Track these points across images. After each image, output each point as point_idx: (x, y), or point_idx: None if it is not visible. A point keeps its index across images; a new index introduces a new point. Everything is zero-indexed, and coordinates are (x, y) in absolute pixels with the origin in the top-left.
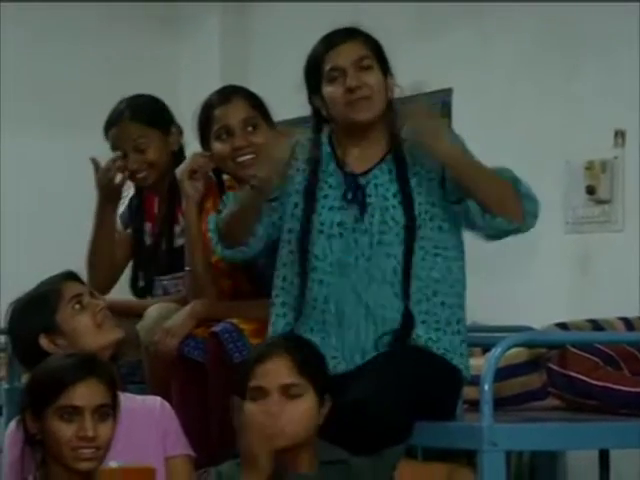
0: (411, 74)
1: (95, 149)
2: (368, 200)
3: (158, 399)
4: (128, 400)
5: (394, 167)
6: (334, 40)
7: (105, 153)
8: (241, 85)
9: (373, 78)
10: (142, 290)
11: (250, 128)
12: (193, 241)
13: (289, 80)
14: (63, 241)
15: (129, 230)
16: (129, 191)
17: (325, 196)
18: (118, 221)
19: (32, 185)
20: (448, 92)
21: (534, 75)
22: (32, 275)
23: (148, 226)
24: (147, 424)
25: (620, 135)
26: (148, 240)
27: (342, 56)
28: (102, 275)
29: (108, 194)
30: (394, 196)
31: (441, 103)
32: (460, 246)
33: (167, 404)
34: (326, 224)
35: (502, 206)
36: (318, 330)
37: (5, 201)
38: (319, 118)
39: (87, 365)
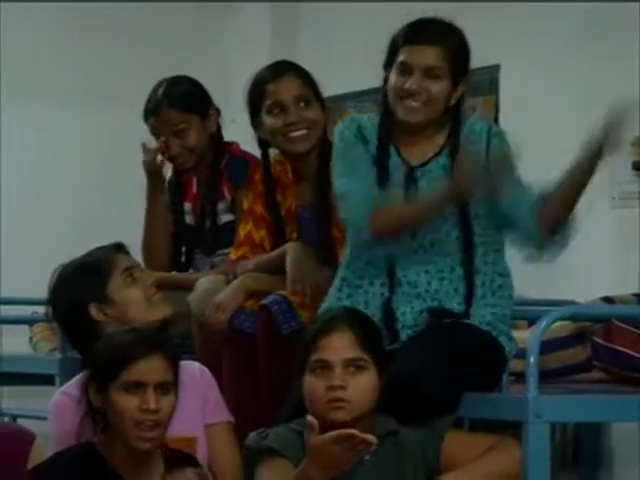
0: None
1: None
2: (420, 192)
3: (197, 365)
4: None
5: (449, 163)
6: (414, 38)
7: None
8: (293, 61)
9: (437, 87)
10: (184, 265)
11: (302, 104)
12: None
13: (337, 55)
14: (93, 212)
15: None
16: (167, 173)
17: (390, 180)
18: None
19: (72, 156)
20: (495, 68)
21: (580, 53)
22: (61, 249)
23: (188, 206)
24: (187, 390)
25: None
26: (189, 219)
27: (415, 55)
28: (158, 259)
29: (154, 176)
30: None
31: (489, 79)
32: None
33: (207, 370)
34: None
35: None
36: (374, 306)
37: (43, 169)
38: (386, 103)
39: (151, 341)
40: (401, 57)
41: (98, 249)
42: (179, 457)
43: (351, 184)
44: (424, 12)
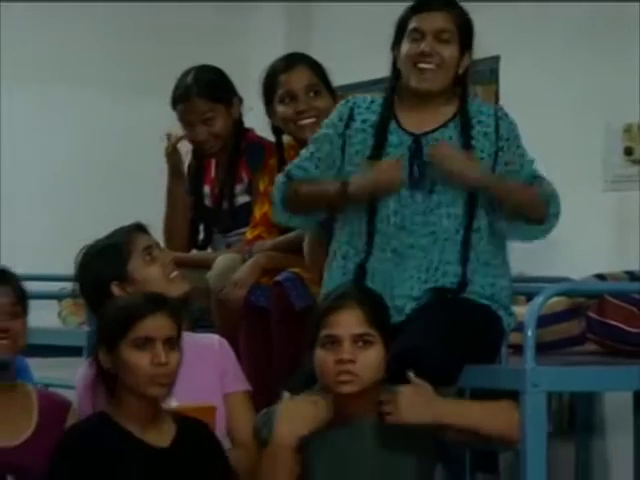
0: None
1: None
2: (424, 160)
3: (216, 337)
4: (189, 339)
5: (456, 133)
6: (422, 6)
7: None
8: (304, 53)
9: (448, 51)
10: (202, 244)
11: (312, 94)
12: None
13: (348, 48)
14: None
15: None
16: (186, 159)
17: (387, 154)
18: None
19: (101, 141)
20: (495, 59)
21: (579, 46)
22: (95, 230)
23: (207, 188)
24: (206, 362)
25: None
26: (207, 201)
27: (426, 21)
28: (178, 241)
29: (174, 164)
30: None
31: (489, 70)
32: None
33: (225, 342)
34: None
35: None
36: (378, 281)
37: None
38: (395, 73)
39: (156, 301)
40: (412, 25)
41: (119, 230)
42: (191, 422)
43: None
44: None
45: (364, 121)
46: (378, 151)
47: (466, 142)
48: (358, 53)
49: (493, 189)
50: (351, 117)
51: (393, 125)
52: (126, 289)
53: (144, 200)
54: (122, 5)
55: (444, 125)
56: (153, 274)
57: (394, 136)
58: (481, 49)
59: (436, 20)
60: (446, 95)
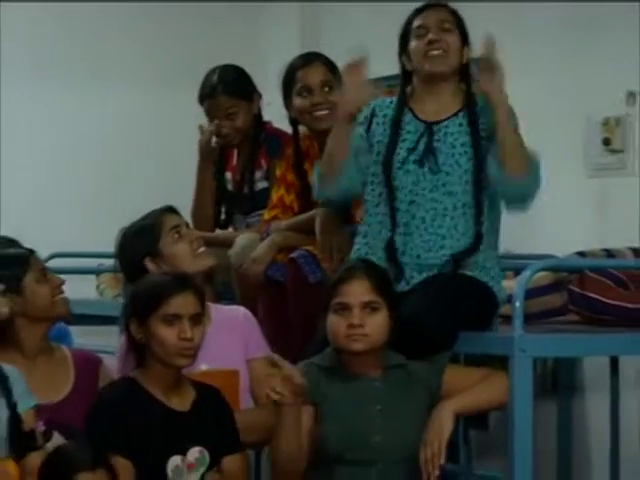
0: None
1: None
2: (436, 145)
3: (241, 308)
4: (217, 310)
5: (465, 122)
6: (422, 7)
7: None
8: (320, 52)
9: (451, 38)
10: (224, 223)
11: (327, 88)
12: None
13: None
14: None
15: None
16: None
17: (404, 140)
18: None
19: (134, 130)
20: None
21: (558, 47)
22: (123, 212)
23: (228, 175)
24: (232, 331)
25: (631, 96)
26: (229, 186)
27: (428, 17)
28: (205, 224)
29: (207, 154)
30: (462, 145)
31: (477, 69)
32: None
33: (249, 312)
34: (399, 161)
35: (513, 168)
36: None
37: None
38: (405, 77)
39: (183, 280)
40: (416, 23)
41: (152, 212)
42: (207, 388)
43: None
44: None
45: (385, 115)
46: (395, 137)
47: (474, 130)
48: (370, 49)
49: (502, 112)
50: (373, 115)
51: (409, 116)
52: (158, 264)
53: (175, 185)
54: (149, 5)
55: (455, 114)
56: (181, 250)
57: (410, 125)
58: (474, 50)
59: (439, 13)
60: (454, 86)
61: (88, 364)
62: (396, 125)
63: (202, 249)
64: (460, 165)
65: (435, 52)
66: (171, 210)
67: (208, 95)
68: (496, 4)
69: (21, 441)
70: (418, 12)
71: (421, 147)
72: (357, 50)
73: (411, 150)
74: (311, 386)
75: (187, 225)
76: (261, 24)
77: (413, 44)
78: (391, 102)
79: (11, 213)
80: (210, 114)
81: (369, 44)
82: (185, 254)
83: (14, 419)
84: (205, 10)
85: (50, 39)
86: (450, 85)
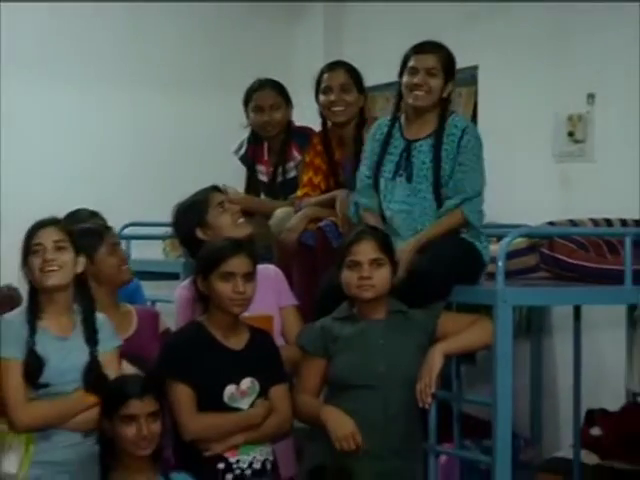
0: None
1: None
2: (412, 159)
3: (272, 267)
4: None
5: (432, 144)
6: (418, 50)
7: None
8: (346, 61)
9: (434, 82)
10: None
11: (344, 90)
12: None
13: (374, 60)
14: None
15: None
16: (242, 149)
17: (391, 152)
18: (239, 162)
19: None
20: (475, 68)
21: (541, 56)
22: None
23: (261, 168)
24: (266, 285)
25: (591, 97)
26: (262, 177)
27: (420, 61)
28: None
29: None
30: (430, 161)
31: (470, 75)
32: None
33: (279, 270)
34: (387, 171)
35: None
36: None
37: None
38: (397, 104)
39: (238, 245)
40: (411, 63)
41: (200, 190)
42: (259, 331)
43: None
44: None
45: (382, 133)
46: (384, 148)
47: (437, 148)
48: (385, 57)
49: (423, 242)
50: (378, 132)
51: (397, 133)
52: (207, 233)
53: (215, 169)
54: (187, 14)
55: (429, 135)
56: (224, 221)
57: (398, 141)
58: (465, 59)
59: (427, 61)
60: (434, 112)
61: (148, 317)
62: (386, 140)
63: (241, 220)
64: (427, 178)
65: (418, 93)
66: (216, 189)
67: (257, 88)
68: (491, 30)
69: (96, 381)
70: (415, 51)
71: (402, 160)
72: None
73: (396, 162)
74: (324, 335)
75: (231, 201)
76: (290, 33)
77: (404, 79)
78: (390, 120)
79: (100, 189)
80: (257, 104)
81: (385, 51)
82: (228, 224)
83: (92, 364)
84: (241, 17)
85: (98, 46)
86: (431, 112)
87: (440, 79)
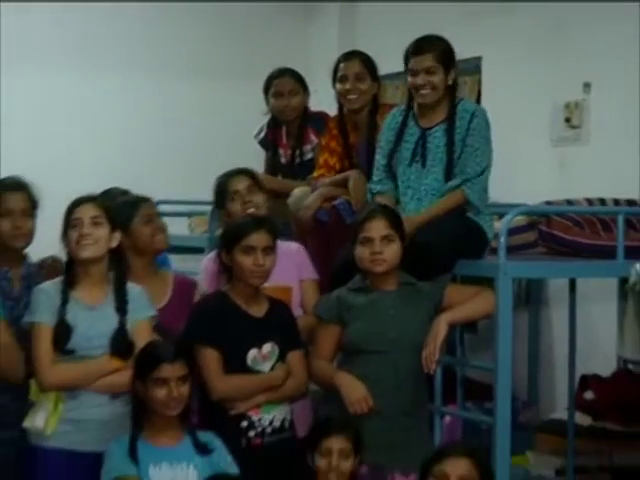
0: (453, 45)
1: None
2: (428, 145)
3: (294, 243)
4: (279, 244)
5: (445, 129)
6: (415, 51)
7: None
8: (361, 51)
9: (435, 79)
10: None
11: (358, 78)
12: None
13: (384, 51)
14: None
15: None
16: (262, 133)
17: (407, 140)
18: (259, 146)
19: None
20: (479, 59)
21: (540, 48)
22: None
23: (280, 150)
24: (288, 259)
25: (587, 86)
26: (281, 159)
27: (418, 62)
28: None
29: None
30: (444, 145)
31: (474, 65)
32: None
33: (301, 246)
34: (404, 158)
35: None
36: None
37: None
38: (410, 94)
39: (260, 221)
40: (410, 65)
41: (225, 173)
42: (278, 302)
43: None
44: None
45: (397, 122)
46: (400, 137)
47: (450, 131)
48: (395, 48)
49: (424, 218)
50: (393, 121)
51: (412, 122)
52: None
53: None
54: (215, 11)
55: (442, 121)
56: (234, 210)
57: (413, 129)
58: (469, 51)
59: (424, 61)
60: (444, 100)
61: (185, 285)
62: (401, 127)
63: (251, 210)
64: (441, 160)
65: (424, 92)
66: (237, 173)
67: (277, 75)
68: (494, 22)
69: (122, 347)
70: (412, 53)
71: (418, 148)
72: None
73: (412, 149)
74: (339, 305)
75: (250, 188)
76: (308, 28)
77: (409, 80)
78: (404, 109)
79: (132, 169)
80: (276, 90)
81: (395, 43)
82: (238, 212)
83: (120, 331)
84: (263, 11)
85: (143, 40)
86: (441, 101)
87: (440, 74)
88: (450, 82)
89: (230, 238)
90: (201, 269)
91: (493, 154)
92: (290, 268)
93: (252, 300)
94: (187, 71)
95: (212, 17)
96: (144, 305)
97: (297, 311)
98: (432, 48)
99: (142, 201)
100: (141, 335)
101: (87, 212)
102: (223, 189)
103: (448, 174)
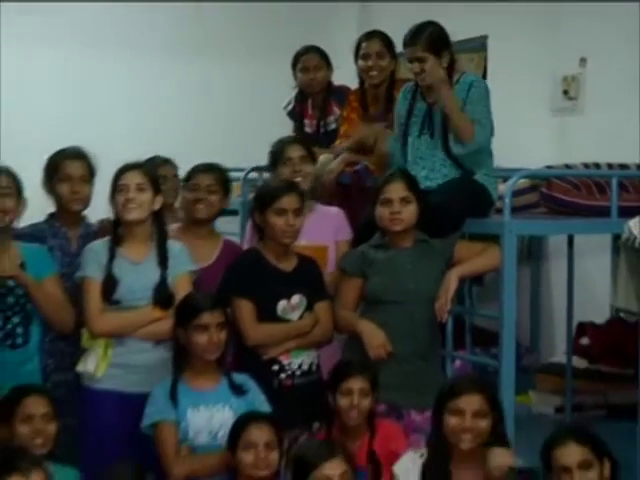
0: (461, 25)
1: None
2: (434, 118)
3: (335, 208)
4: (319, 207)
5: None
6: (405, 43)
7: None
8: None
9: (427, 65)
10: None
11: (379, 56)
12: None
13: (400, 33)
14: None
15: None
16: (289, 106)
17: (416, 115)
18: (287, 117)
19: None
20: (485, 37)
21: (535, 28)
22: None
23: (307, 121)
24: (327, 220)
25: (583, 60)
26: (307, 129)
27: (409, 53)
28: None
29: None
30: (445, 118)
31: (480, 43)
32: None
33: (341, 211)
34: (414, 130)
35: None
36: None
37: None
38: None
39: (290, 185)
40: (406, 55)
41: (283, 139)
42: (306, 258)
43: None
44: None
45: (406, 99)
46: (410, 111)
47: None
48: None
49: (447, 98)
50: (405, 97)
51: (419, 97)
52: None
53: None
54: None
55: None
56: (283, 174)
57: (420, 103)
58: (477, 29)
59: (414, 51)
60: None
61: (232, 249)
62: (412, 102)
63: (298, 179)
64: (444, 129)
65: (421, 76)
66: (294, 142)
67: (304, 52)
68: (499, 5)
69: (163, 298)
70: (404, 45)
71: (425, 121)
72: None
73: (421, 122)
74: (362, 260)
75: (303, 158)
76: (329, 18)
77: (409, 66)
78: (413, 86)
79: (172, 140)
80: (303, 66)
81: (410, 23)
82: (287, 174)
83: (161, 284)
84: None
85: (181, 24)
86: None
87: (431, 60)
88: (445, 65)
89: (263, 201)
90: (247, 229)
91: (498, 123)
92: (328, 229)
93: (282, 256)
94: (223, 51)
95: (245, 9)
96: (184, 261)
97: (332, 268)
98: (418, 40)
99: (193, 171)
100: (181, 287)
101: (133, 179)
102: (278, 153)
103: (445, 143)
